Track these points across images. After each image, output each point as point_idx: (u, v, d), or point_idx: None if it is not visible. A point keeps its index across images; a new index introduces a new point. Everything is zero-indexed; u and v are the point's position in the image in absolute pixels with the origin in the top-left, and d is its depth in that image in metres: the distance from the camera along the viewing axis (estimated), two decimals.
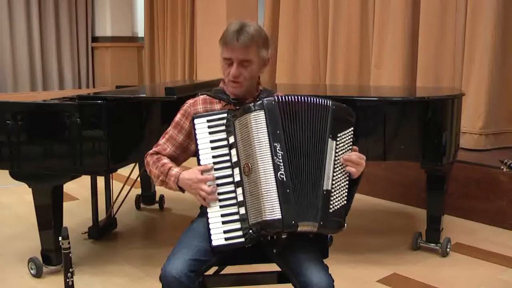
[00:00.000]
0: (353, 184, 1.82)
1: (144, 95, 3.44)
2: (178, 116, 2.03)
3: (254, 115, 1.74)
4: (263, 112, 1.74)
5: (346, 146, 1.80)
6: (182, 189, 1.89)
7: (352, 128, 1.82)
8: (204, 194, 1.78)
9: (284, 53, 5.73)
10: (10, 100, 3.13)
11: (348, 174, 1.79)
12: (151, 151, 2.02)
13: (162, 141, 2.02)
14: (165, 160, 1.95)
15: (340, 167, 1.77)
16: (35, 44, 7.25)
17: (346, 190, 1.78)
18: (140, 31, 7.93)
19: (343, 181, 1.78)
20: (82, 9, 7.68)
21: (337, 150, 1.77)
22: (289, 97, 1.79)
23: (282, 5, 5.75)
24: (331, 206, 1.73)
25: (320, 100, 1.80)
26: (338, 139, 1.78)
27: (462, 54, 4.40)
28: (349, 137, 1.81)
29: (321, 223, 1.71)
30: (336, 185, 1.76)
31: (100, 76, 7.86)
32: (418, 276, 2.92)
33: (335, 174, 1.76)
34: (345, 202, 1.77)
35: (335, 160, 1.76)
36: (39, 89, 7.32)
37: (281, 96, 1.80)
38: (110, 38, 7.69)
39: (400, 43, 4.74)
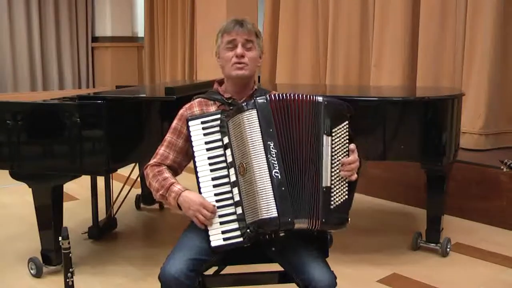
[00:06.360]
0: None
1: (144, 95, 3.44)
2: (175, 122, 2.00)
3: (247, 114, 1.74)
4: (256, 111, 1.74)
5: (343, 140, 1.78)
6: (179, 207, 1.86)
7: (347, 122, 1.80)
8: (203, 218, 1.77)
9: (284, 53, 5.73)
10: (10, 100, 3.13)
11: None
12: (151, 162, 1.97)
13: (161, 149, 1.97)
14: (167, 174, 1.91)
15: (338, 162, 1.76)
16: (35, 44, 7.25)
17: (346, 184, 1.77)
18: (140, 31, 7.93)
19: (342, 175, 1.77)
20: (82, 9, 7.68)
21: (333, 146, 1.76)
22: (282, 95, 1.79)
23: (282, 5, 5.75)
24: (332, 203, 1.73)
25: (313, 97, 1.80)
26: (333, 134, 1.77)
27: (462, 54, 4.40)
28: (345, 131, 1.79)
29: (323, 220, 1.71)
30: (335, 180, 1.75)
31: (100, 76, 7.86)
32: (418, 276, 2.91)
33: (333, 170, 1.74)
34: (346, 196, 1.76)
35: (332, 156, 1.75)
36: (39, 89, 7.32)
37: (274, 95, 1.80)
38: (110, 38, 7.69)
39: (400, 43, 4.74)
